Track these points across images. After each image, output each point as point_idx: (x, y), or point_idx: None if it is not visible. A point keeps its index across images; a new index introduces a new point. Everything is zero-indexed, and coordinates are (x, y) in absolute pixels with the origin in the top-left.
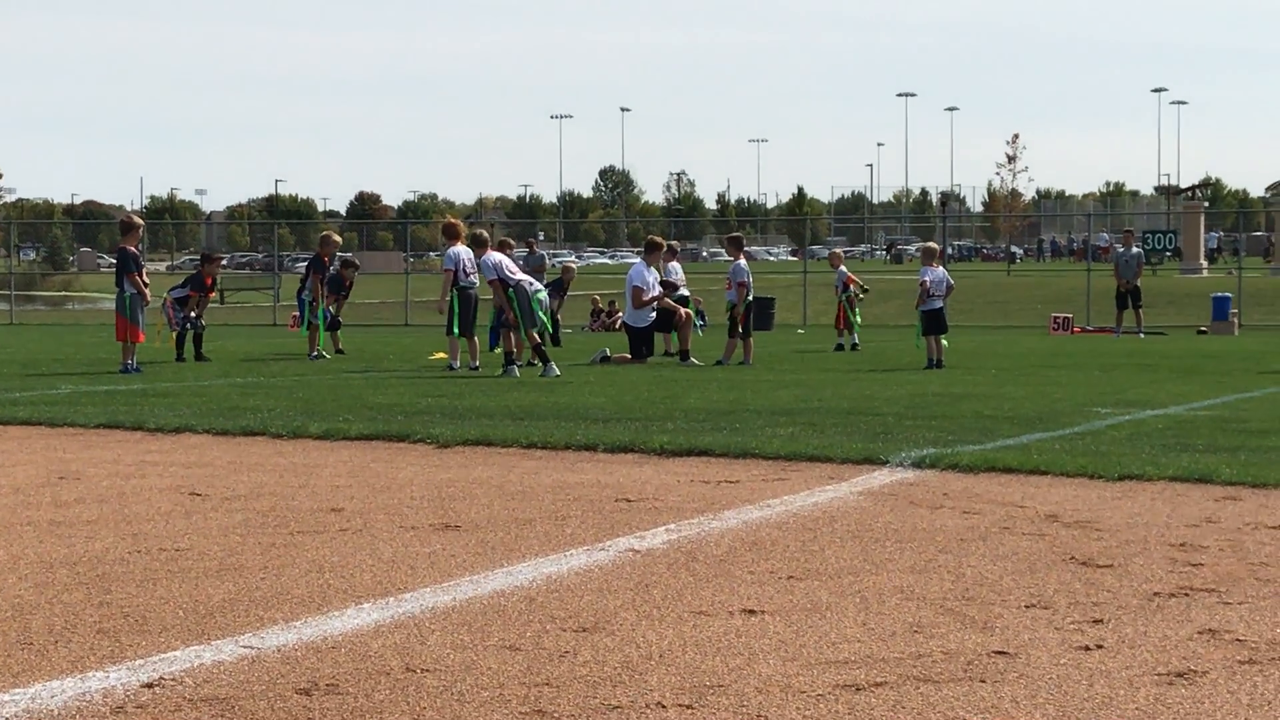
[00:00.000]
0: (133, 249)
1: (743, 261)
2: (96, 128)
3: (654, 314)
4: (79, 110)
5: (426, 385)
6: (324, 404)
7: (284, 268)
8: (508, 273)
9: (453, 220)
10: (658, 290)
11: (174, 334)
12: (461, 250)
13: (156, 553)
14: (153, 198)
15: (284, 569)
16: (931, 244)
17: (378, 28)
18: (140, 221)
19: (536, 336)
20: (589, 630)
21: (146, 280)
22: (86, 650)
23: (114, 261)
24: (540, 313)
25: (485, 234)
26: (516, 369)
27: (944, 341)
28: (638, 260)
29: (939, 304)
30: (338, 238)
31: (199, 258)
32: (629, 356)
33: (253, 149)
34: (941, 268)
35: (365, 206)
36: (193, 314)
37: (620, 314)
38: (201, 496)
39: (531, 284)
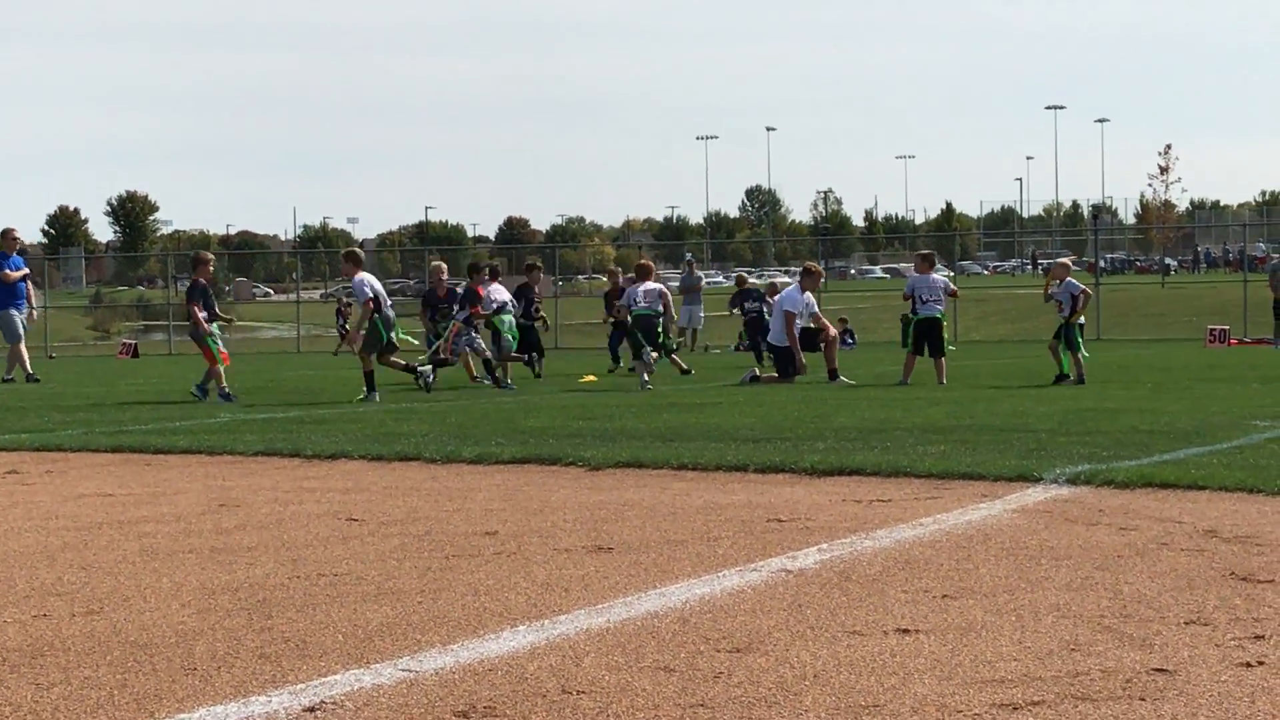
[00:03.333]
0: (202, 281)
1: (934, 276)
2: (250, 159)
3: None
4: (233, 142)
5: (577, 408)
6: (476, 428)
7: None
8: (383, 293)
9: (354, 249)
10: (808, 315)
11: (464, 357)
12: (369, 276)
13: (315, 578)
14: (305, 227)
15: (440, 592)
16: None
17: (523, 53)
18: (210, 256)
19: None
20: (742, 651)
21: (215, 313)
22: (249, 675)
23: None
24: (505, 332)
25: (359, 252)
26: (377, 395)
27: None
28: (793, 284)
29: (928, 311)
30: (437, 262)
31: (467, 269)
32: (776, 376)
33: (403, 176)
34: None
35: (514, 231)
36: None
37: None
38: (358, 521)
39: (494, 303)
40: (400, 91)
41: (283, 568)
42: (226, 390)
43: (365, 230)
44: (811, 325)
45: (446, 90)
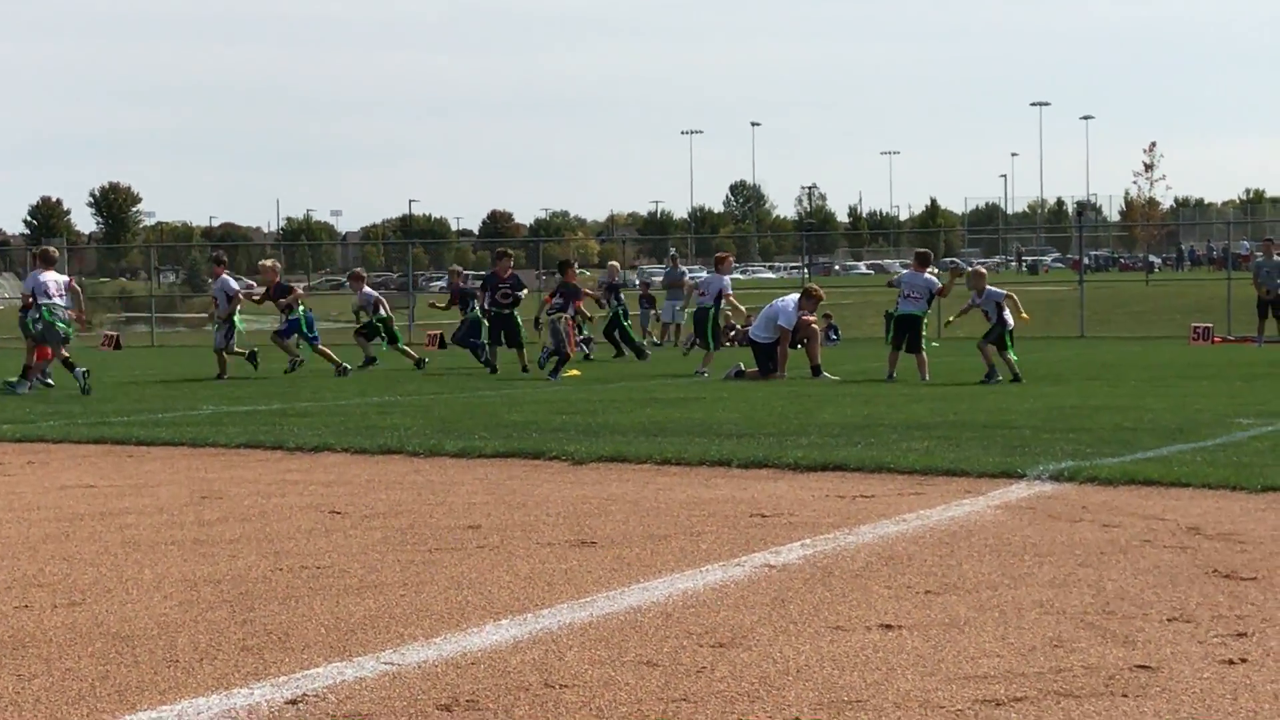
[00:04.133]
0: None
1: (925, 275)
2: (234, 151)
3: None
4: (217, 134)
5: (560, 403)
6: (460, 422)
7: (419, 287)
8: (43, 293)
9: (48, 248)
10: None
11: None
12: (45, 274)
13: (298, 570)
14: (289, 219)
15: (423, 586)
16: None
17: (508, 47)
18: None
19: (65, 352)
20: (725, 645)
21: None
22: (231, 667)
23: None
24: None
25: (53, 251)
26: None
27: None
28: (793, 302)
29: (907, 307)
30: (503, 249)
31: (558, 266)
32: (759, 374)
33: (387, 169)
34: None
35: (498, 225)
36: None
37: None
38: (341, 514)
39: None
40: (385, 85)
41: (265, 560)
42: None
43: (349, 223)
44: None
45: (431, 83)
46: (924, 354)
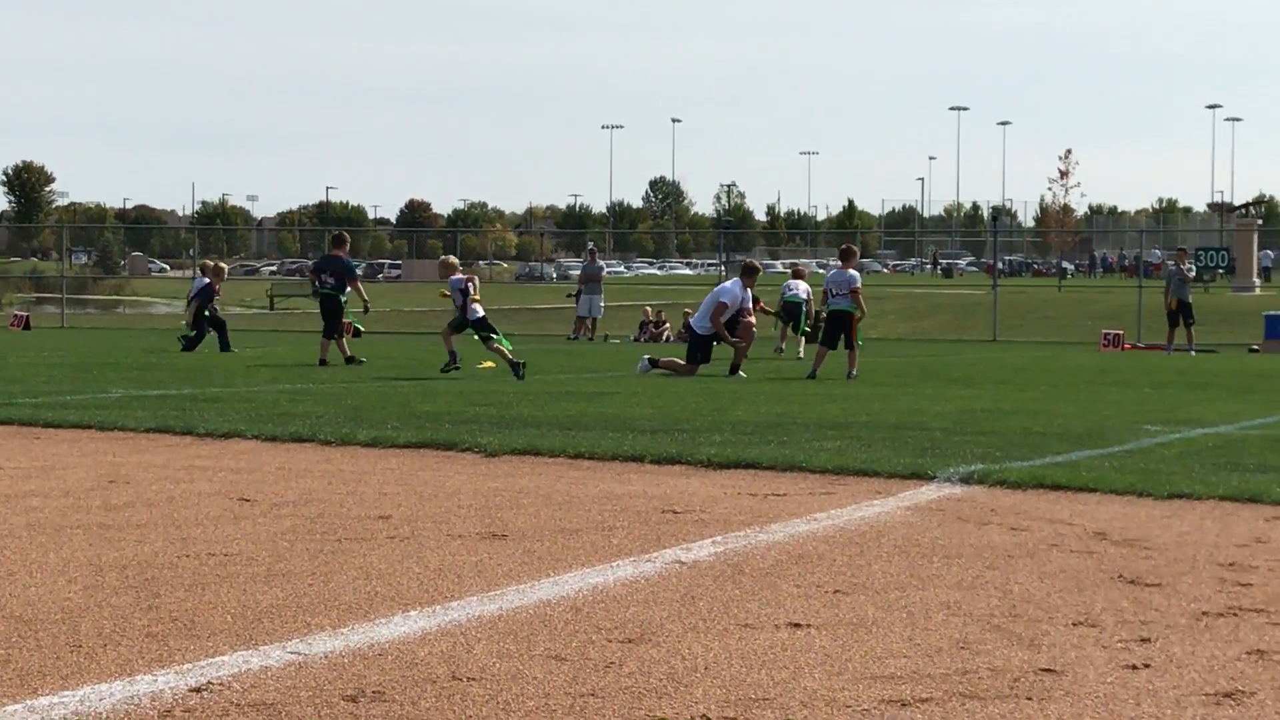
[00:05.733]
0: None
1: (849, 272)
2: (149, 133)
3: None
4: (132, 115)
5: (474, 394)
6: (372, 411)
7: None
8: None
9: None
10: (742, 308)
11: None
12: None
13: (205, 557)
14: (204, 203)
15: (332, 575)
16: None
17: (430, 36)
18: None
19: None
20: (634, 641)
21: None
22: (135, 654)
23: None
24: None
25: None
26: None
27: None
28: (733, 282)
29: (837, 304)
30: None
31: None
32: (679, 362)
33: (304, 156)
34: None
35: (415, 214)
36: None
37: (668, 324)
38: (250, 502)
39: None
40: (304, 70)
41: (172, 546)
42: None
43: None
44: (739, 319)
45: (351, 70)
46: (857, 350)
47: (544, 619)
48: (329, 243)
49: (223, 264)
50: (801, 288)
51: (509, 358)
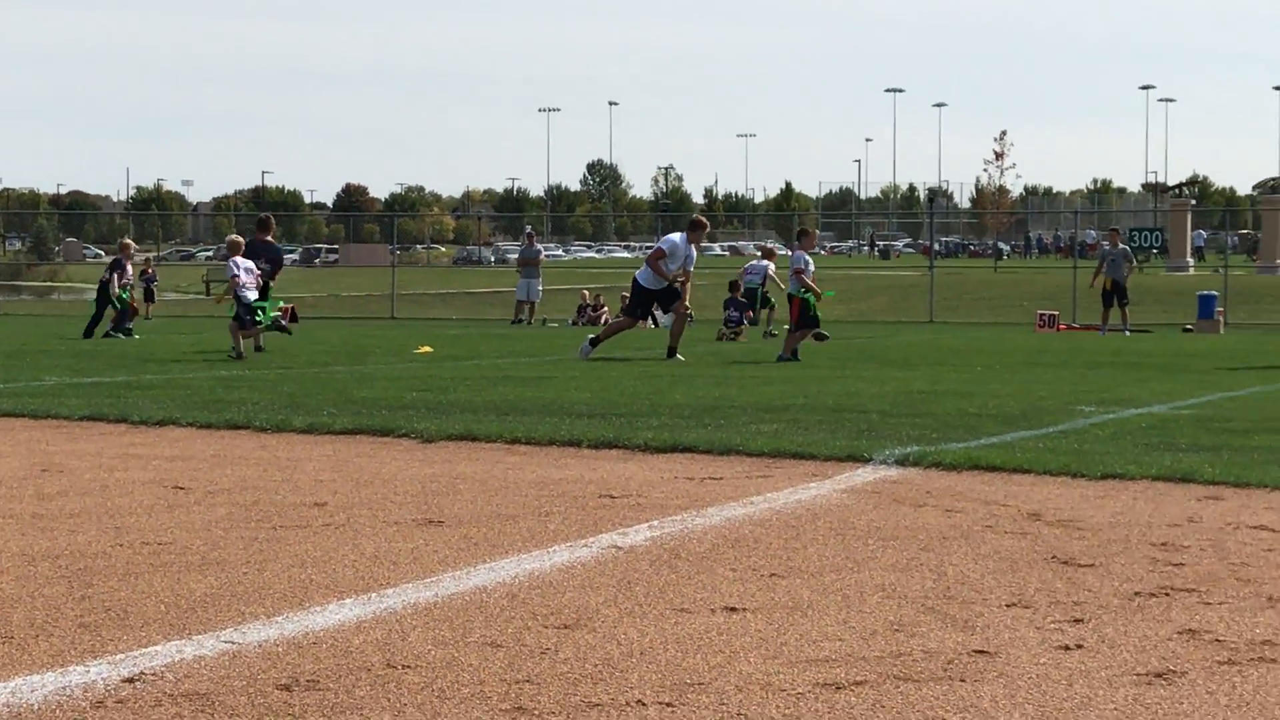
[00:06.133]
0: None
1: (803, 253)
2: (83, 118)
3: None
4: (66, 101)
5: (411, 380)
6: (308, 398)
7: None
8: None
9: None
10: (680, 267)
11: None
12: None
13: (139, 546)
14: (139, 188)
15: (266, 564)
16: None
17: (365, 20)
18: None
19: None
20: (570, 627)
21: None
22: (67, 644)
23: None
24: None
25: None
26: None
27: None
28: (679, 234)
29: (796, 286)
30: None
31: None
32: (617, 320)
33: (240, 140)
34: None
35: (352, 199)
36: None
37: (606, 308)
38: (185, 490)
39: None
40: (238, 54)
41: (105, 535)
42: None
43: (200, 194)
44: (677, 283)
45: (286, 54)
46: (796, 334)
47: (480, 606)
48: (256, 227)
49: (127, 241)
50: (760, 267)
51: (273, 325)
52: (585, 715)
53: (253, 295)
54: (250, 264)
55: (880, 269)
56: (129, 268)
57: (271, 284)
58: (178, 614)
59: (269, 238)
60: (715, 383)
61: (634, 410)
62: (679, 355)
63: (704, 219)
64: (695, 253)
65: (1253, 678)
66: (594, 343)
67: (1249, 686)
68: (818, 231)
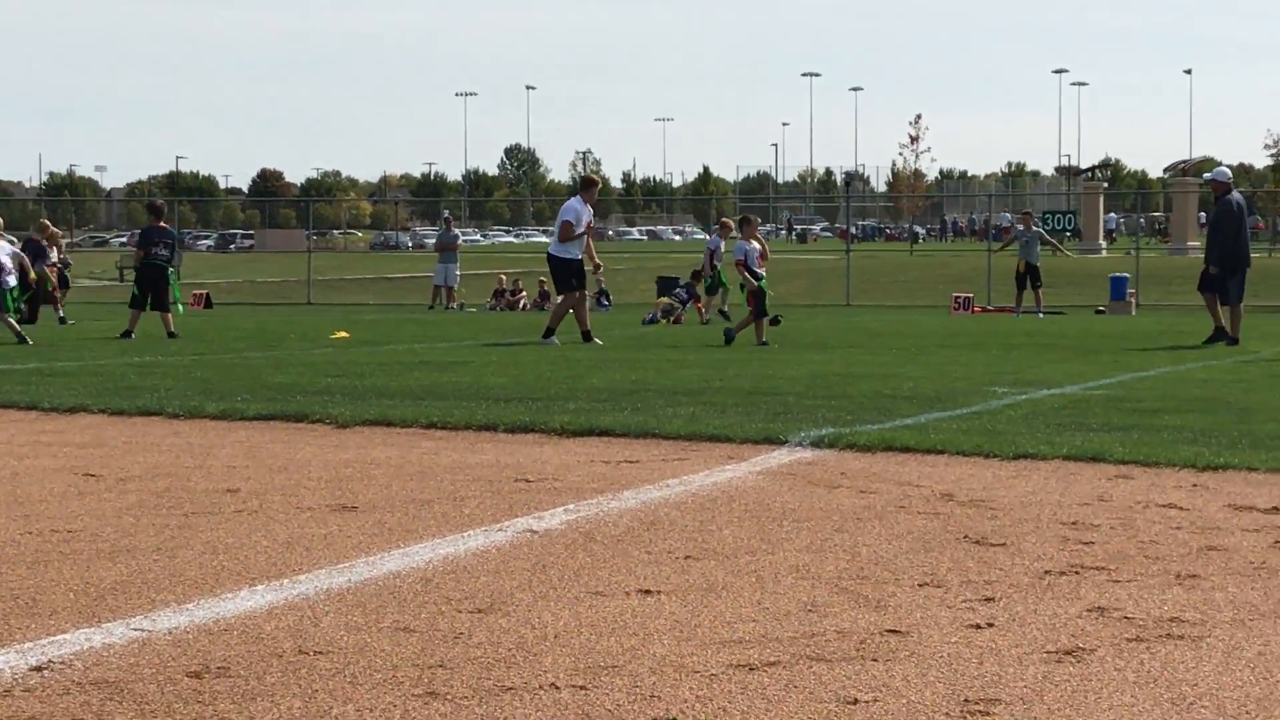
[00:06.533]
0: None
1: (750, 243)
2: None
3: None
4: None
5: (327, 365)
6: (222, 384)
7: (185, 245)
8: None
9: None
10: (585, 225)
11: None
12: None
13: (48, 534)
14: (51, 174)
15: (177, 551)
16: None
17: (281, 3)
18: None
19: None
20: (484, 611)
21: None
22: None
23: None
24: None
25: None
26: None
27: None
28: (573, 198)
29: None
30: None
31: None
32: (562, 301)
33: (154, 125)
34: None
35: (267, 184)
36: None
37: (524, 292)
38: (96, 477)
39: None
40: (151, 37)
41: (14, 523)
42: None
43: (114, 179)
44: (579, 258)
45: (199, 37)
46: (754, 320)
47: (393, 591)
48: (149, 213)
49: (44, 220)
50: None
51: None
52: (499, 699)
53: (12, 281)
54: (13, 249)
55: (797, 253)
56: (51, 252)
57: (171, 269)
58: (87, 602)
59: (163, 223)
60: (632, 367)
61: (550, 394)
62: (596, 339)
63: (595, 176)
64: (592, 210)
65: (1160, 654)
66: (549, 334)
67: (1156, 663)
68: (758, 220)
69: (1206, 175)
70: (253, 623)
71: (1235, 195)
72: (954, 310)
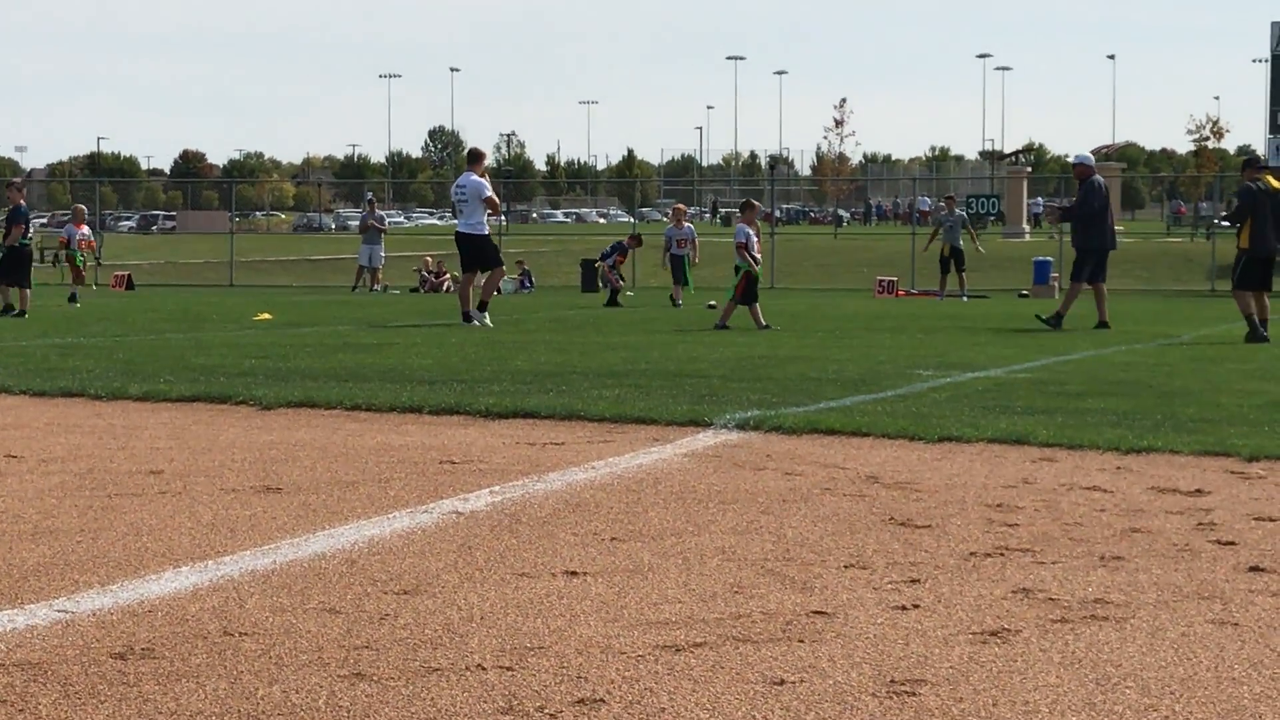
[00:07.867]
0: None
1: (745, 226)
2: None
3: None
4: None
5: (250, 346)
6: (145, 365)
7: (106, 226)
8: None
9: None
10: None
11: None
12: None
13: None
14: None
15: (101, 532)
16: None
17: None
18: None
19: None
20: (410, 593)
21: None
22: None
23: None
24: None
25: None
26: None
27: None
28: (475, 175)
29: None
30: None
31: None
32: (480, 280)
33: (74, 106)
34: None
35: (190, 165)
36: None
37: (448, 274)
38: (17, 459)
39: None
40: (71, 17)
41: None
42: None
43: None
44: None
45: (119, 17)
46: (732, 305)
47: (318, 572)
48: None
49: None
50: (688, 232)
51: None
52: (425, 680)
53: None
54: None
55: (722, 236)
56: None
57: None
58: (9, 583)
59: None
60: (557, 349)
61: (476, 376)
62: (487, 320)
63: (481, 149)
64: (487, 183)
65: (1085, 635)
66: (482, 307)
67: (1081, 644)
68: (759, 205)
69: (1070, 159)
70: (177, 604)
71: (1098, 178)
72: (878, 293)
